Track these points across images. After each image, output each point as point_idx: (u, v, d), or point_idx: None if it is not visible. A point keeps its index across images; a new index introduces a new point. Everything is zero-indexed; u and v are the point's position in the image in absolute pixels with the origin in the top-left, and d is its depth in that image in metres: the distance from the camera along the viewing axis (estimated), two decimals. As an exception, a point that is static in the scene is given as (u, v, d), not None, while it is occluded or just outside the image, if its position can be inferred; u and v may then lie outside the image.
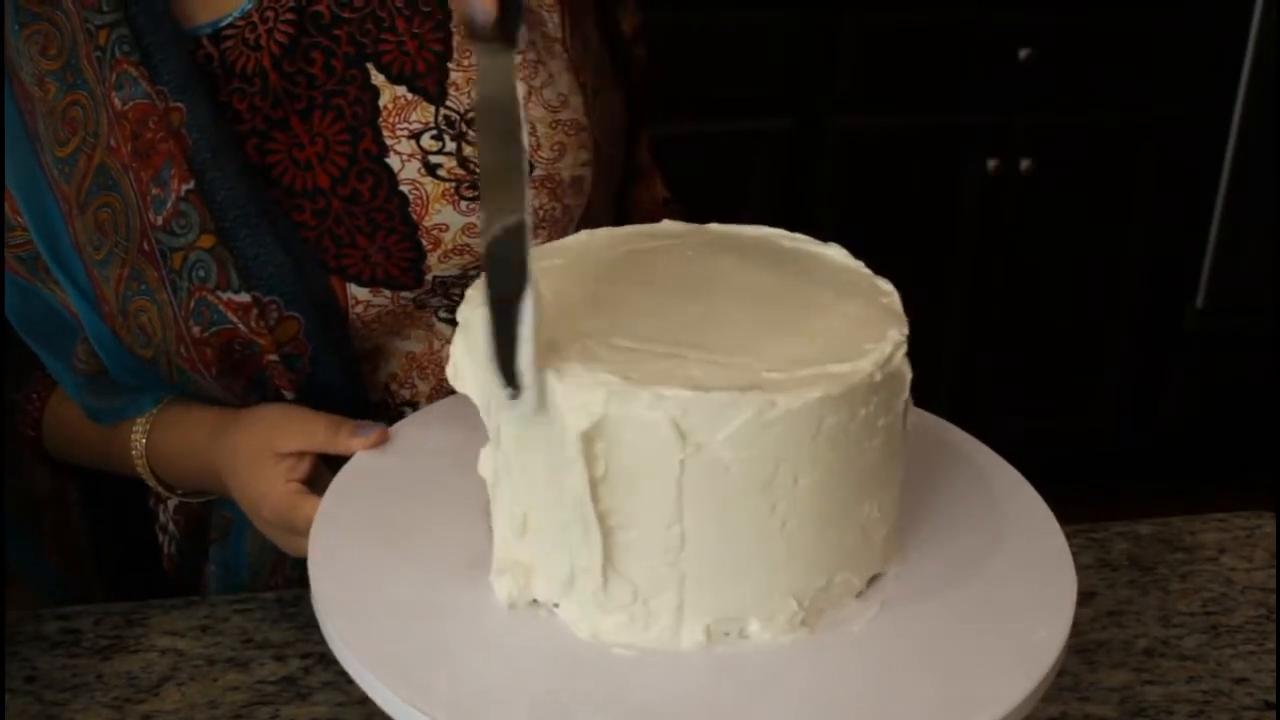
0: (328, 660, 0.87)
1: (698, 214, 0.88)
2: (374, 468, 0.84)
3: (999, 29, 2.31)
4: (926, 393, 0.77)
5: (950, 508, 0.80)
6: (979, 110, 2.36)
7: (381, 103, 0.93)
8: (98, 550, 1.11)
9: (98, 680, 0.87)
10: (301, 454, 0.88)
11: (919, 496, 0.79)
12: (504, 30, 0.67)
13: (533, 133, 0.94)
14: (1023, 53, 2.31)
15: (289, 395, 0.94)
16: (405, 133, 0.93)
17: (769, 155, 2.30)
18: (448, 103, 0.93)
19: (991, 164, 2.36)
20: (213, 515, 1.03)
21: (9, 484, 1.05)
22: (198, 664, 0.88)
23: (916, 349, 0.72)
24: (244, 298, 0.91)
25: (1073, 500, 0.81)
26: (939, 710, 0.67)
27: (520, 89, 0.95)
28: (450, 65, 0.93)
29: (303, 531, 0.84)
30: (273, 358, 0.92)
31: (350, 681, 0.79)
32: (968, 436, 0.86)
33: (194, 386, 0.95)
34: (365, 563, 0.75)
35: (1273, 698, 0.88)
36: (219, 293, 0.91)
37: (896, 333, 0.71)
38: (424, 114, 0.93)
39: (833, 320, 0.73)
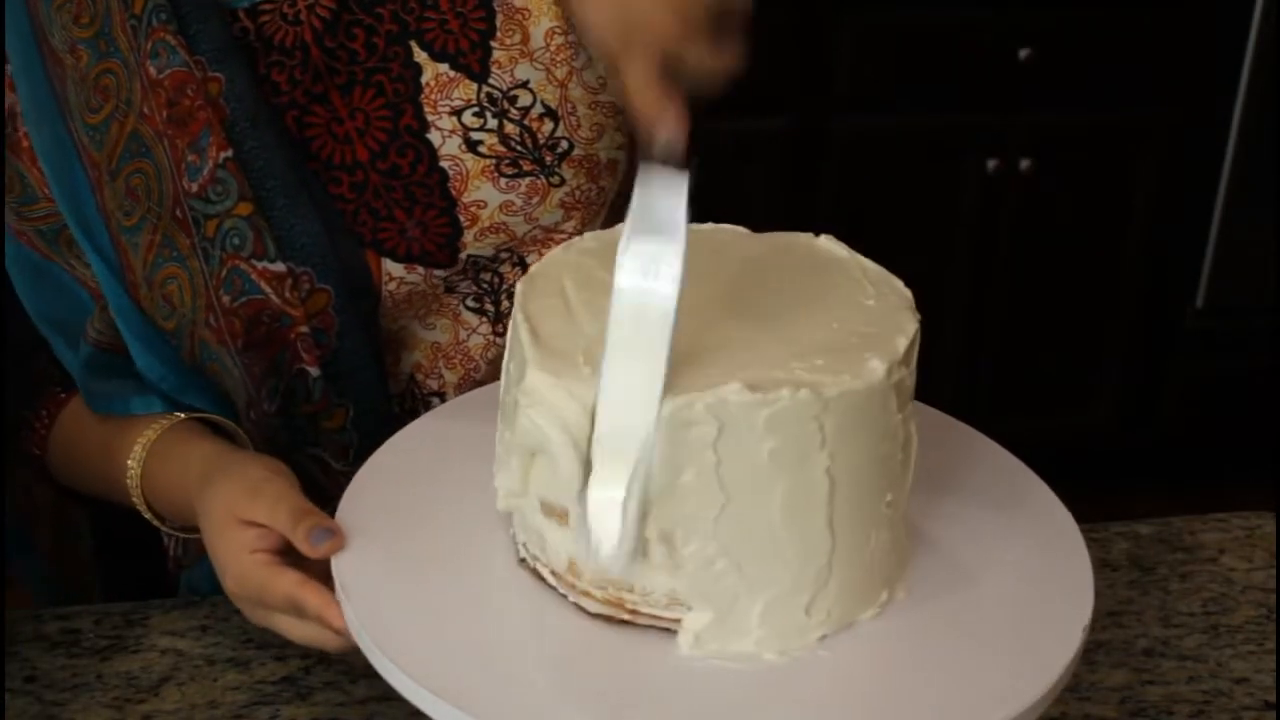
0: (328, 660, 0.87)
1: (697, 214, 0.88)
2: (396, 464, 0.84)
3: (999, 29, 2.31)
4: (927, 392, 0.77)
5: (965, 508, 0.80)
6: (979, 110, 2.36)
7: (424, 80, 0.93)
8: (100, 552, 1.10)
9: (98, 680, 0.87)
10: (269, 526, 0.82)
11: (930, 495, 0.79)
12: (686, 158, 0.67)
13: (572, 112, 0.95)
14: (1023, 53, 2.31)
15: (313, 371, 0.93)
16: (447, 109, 0.94)
17: (769, 155, 2.30)
18: (490, 80, 0.94)
19: (991, 164, 2.36)
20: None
21: (10, 492, 1.04)
22: (198, 664, 0.88)
23: (909, 363, 0.72)
24: (279, 267, 0.91)
25: (1073, 500, 0.81)
26: (948, 712, 0.67)
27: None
28: (493, 44, 0.94)
29: (277, 606, 0.80)
30: (303, 329, 0.92)
31: (351, 681, 0.80)
32: (982, 436, 0.87)
33: (213, 366, 0.94)
34: (390, 565, 0.75)
35: (1273, 698, 0.88)
36: (253, 261, 0.91)
37: (910, 325, 0.72)
38: (466, 91, 0.94)
39: (850, 313, 0.73)
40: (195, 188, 0.91)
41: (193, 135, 0.90)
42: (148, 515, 0.96)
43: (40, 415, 1.01)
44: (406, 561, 0.75)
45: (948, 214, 2.41)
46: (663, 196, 0.68)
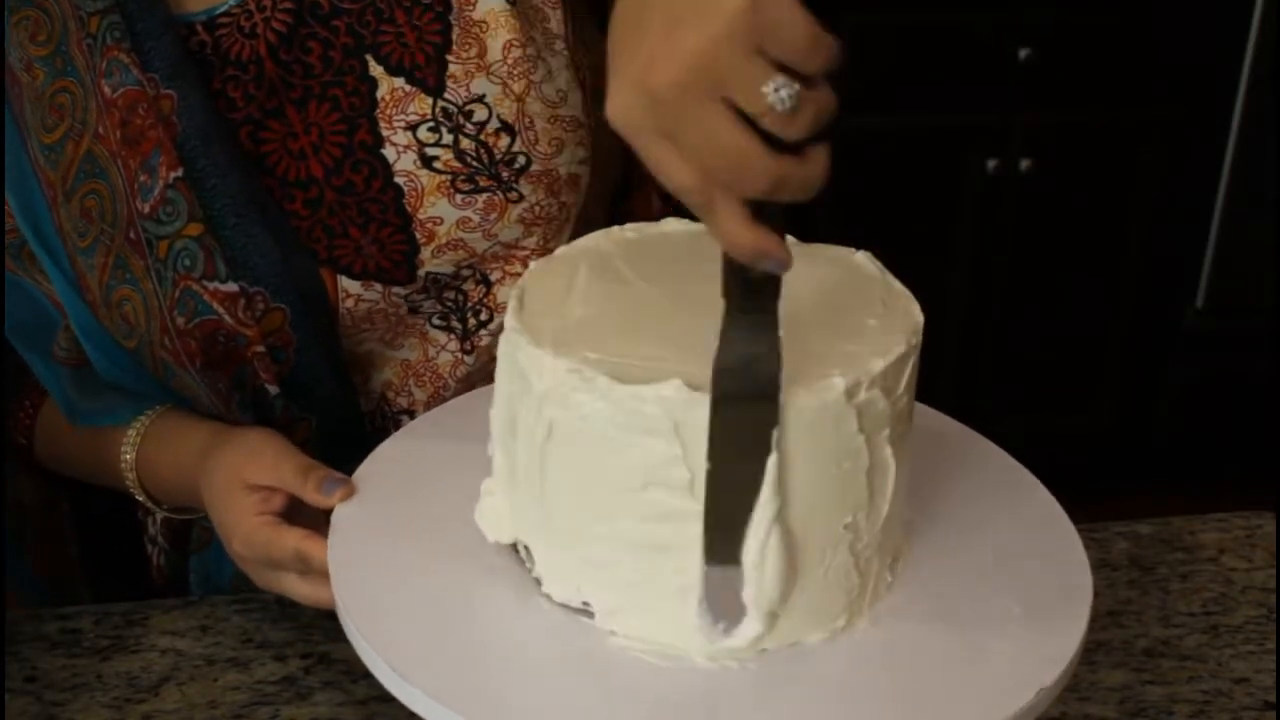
0: (328, 660, 0.87)
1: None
2: (387, 470, 0.83)
3: (999, 29, 2.31)
4: (927, 392, 0.77)
5: (962, 509, 0.80)
6: (979, 110, 2.36)
7: (379, 94, 0.92)
8: (86, 562, 1.10)
9: (98, 680, 0.87)
10: (273, 488, 0.85)
11: (928, 496, 0.79)
12: (776, 285, 0.65)
13: (530, 127, 0.94)
14: (1023, 53, 2.31)
15: (272, 389, 0.93)
16: (402, 124, 0.92)
17: (769, 155, 2.30)
18: (446, 94, 0.92)
19: (991, 164, 2.36)
20: (194, 526, 1.02)
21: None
22: (198, 664, 0.88)
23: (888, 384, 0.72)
24: (230, 287, 0.90)
25: (1073, 500, 0.81)
26: (948, 712, 0.67)
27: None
28: (449, 57, 0.93)
29: (283, 564, 0.83)
30: (259, 349, 0.91)
31: (352, 681, 0.80)
32: (981, 436, 0.87)
33: (178, 382, 0.94)
34: (384, 566, 0.75)
35: (1273, 698, 0.88)
36: (205, 282, 0.90)
37: (896, 348, 0.71)
38: (421, 106, 0.92)
39: (847, 331, 0.73)
40: (147, 208, 0.89)
41: (144, 155, 0.89)
42: (142, 498, 0.97)
43: (24, 405, 1.02)
44: (402, 563, 0.75)
45: (948, 214, 2.41)
46: (747, 335, 0.65)
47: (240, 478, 0.86)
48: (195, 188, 0.90)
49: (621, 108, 0.60)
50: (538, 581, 0.73)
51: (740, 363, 0.65)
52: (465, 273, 0.96)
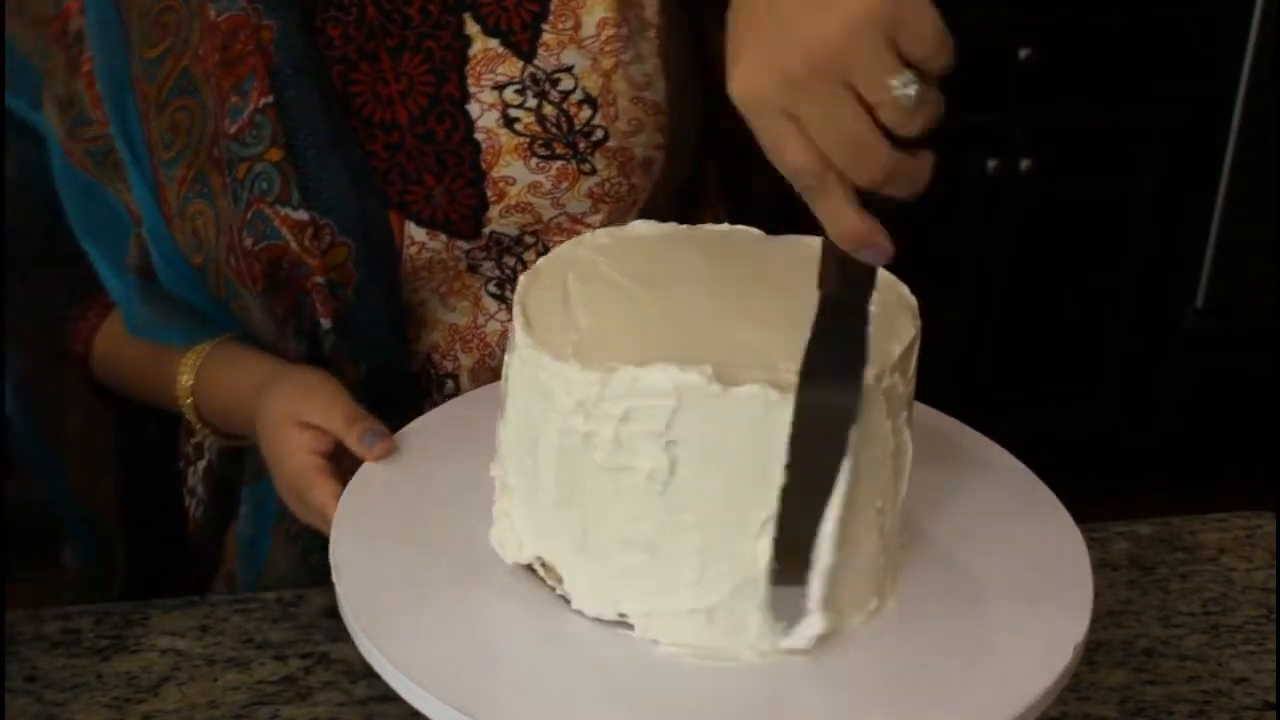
0: (328, 660, 0.87)
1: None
2: (397, 462, 0.84)
3: (999, 29, 2.31)
4: (927, 392, 0.77)
5: (964, 508, 0.80)
6: (979, 110, 2.36)
7: (471, 52, 0.95)
8: (124, 501, 1.13)
9: (98, 680, 0.87)
10: (323, 429, 0.88)
11: (930, 495, 0.79)
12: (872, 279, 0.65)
13: (612, 104, 0.96)
14: (1023, 53, 2.31)
15: (326, 323, 0.95)
16: (490, 83, 0.95)
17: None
18: (536, 60, 0.95)
19: (991, 164, 2.36)
20: (247, 455, 1.04)
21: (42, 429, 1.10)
22: (198, 664, 0.88)
23: (905, 370, 0.72)
24: (301, 215, 0.93)
25: (1073, 500, 0.81)
26: (948, 712, 0.67)
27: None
28: (544, 26, 0.95)
29: (315, 512, 0.86)
30: (319, 280, 0.94)
31: (351, 681, 0.79)
32: (982, 436, 0.87)
33: (238, 304, 0.97)
34: (389, 564, 0.75)
35: (1273, 698, 0.88)
36: (277, 207, 0.93)
37: (907, 331, 0.72)
38: (511, 68, 0.95)
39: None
40: (234, 129, 0.93)
41: (239, 78, 0.93)
42: (195, 423, 1.01)
43: (86, 314, 1.06)
44: (406, 561, 0.75)
45: (948, 214, 2.41)
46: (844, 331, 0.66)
47: (293, 414, 0.89)
48: (282, 116, 0.93)
49: (749, 85, 0.61)
50: (565, 600, 0.72)
51: (832, 353, 0.65)
52: (529, 239, 0.98)
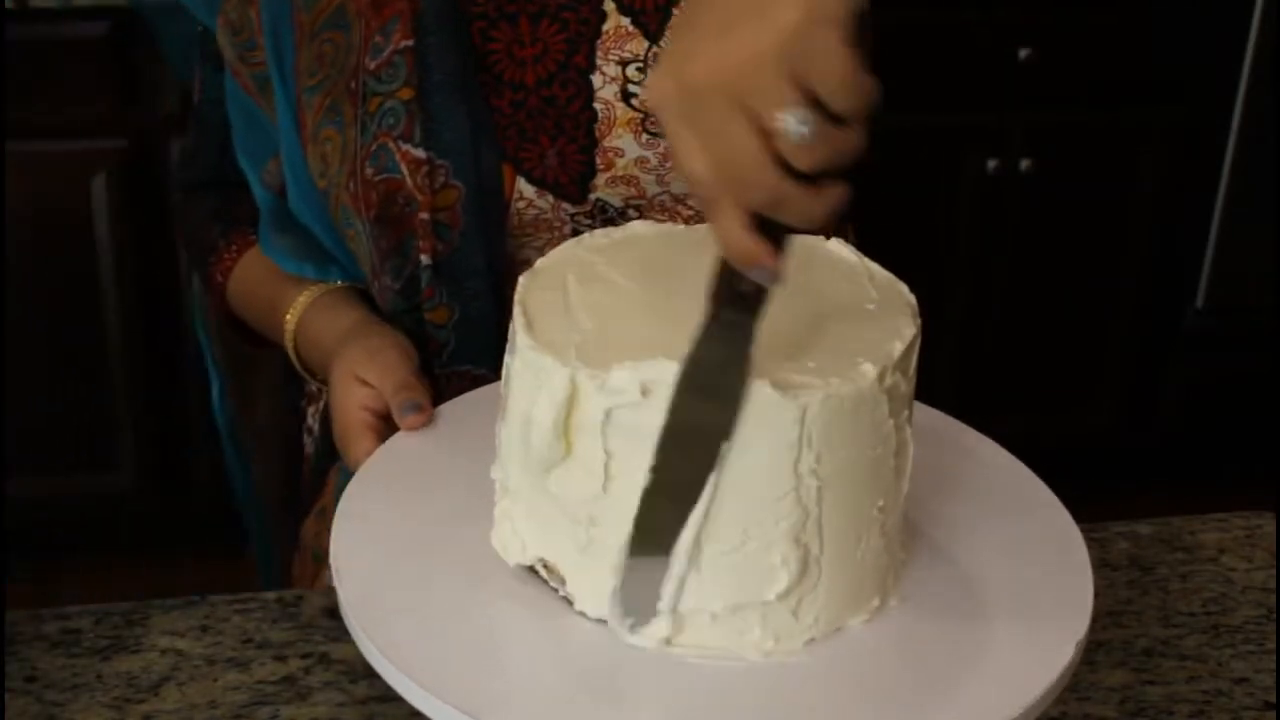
0: (328, 660, 0.87)
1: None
2: (398, 462, 0.84)
3: (999, 29, 2.31)
4: (927, 392, 0.77)
5: (965, 507, 0.80)
6: (979, 110, 2.36)
7: (605, 27, 1.00)
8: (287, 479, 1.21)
9: (98, 680, 0.87)
10: (379, 390, 0.92)
11: (930, 495, 0.79)
12: (761, 304, 0.66)
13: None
14: (1023, 53, 2.31)
15: (425, 259, 0.99)
16: (615, 58, 1.00)
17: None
18: (662, 42, 0.99)
19: (991, 164, 2.36)
20: None
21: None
22: (198, 664, 0.88)
23: (908, 369, 0.72)
24: (420, 153, 0.98)
25: (1073, 500, 0.81)
26: (947, 712, 0.67)
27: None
28: (675, 10, 0.99)
29: (352, 464, 0.90)
30: (424, 217, 0.98)
31: (351, 681, 0.79)
32: (982, 436, 0.87)
33: (351, 231, 1.02)
34: (390, 565, 0.75)
35: (1273, 698, 0.88)
36: (400, 143, 0.98)
37: (908, 330, 0.72)
38: (637, 46, 0.99)
39: (850, 317, 0.73)
40: (373, 65, 0.99)
41: (384, 20, 0.99)
42: (296, 364, 1.08)
43: (230, 248, 1.14)
44: (407, 560, 0.75)
45: (948, 214, 2.41)
46: (722, 335, 0.66)
47: (355, 370, 0.94)
48: (417, 59, 0.99)
49: (658, 87, 0.64)
50: (568, 601, 0.72)
51: (711, 367, 0.65)
52: (632, 214, 1.02)
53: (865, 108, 0.61)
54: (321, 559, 1.10)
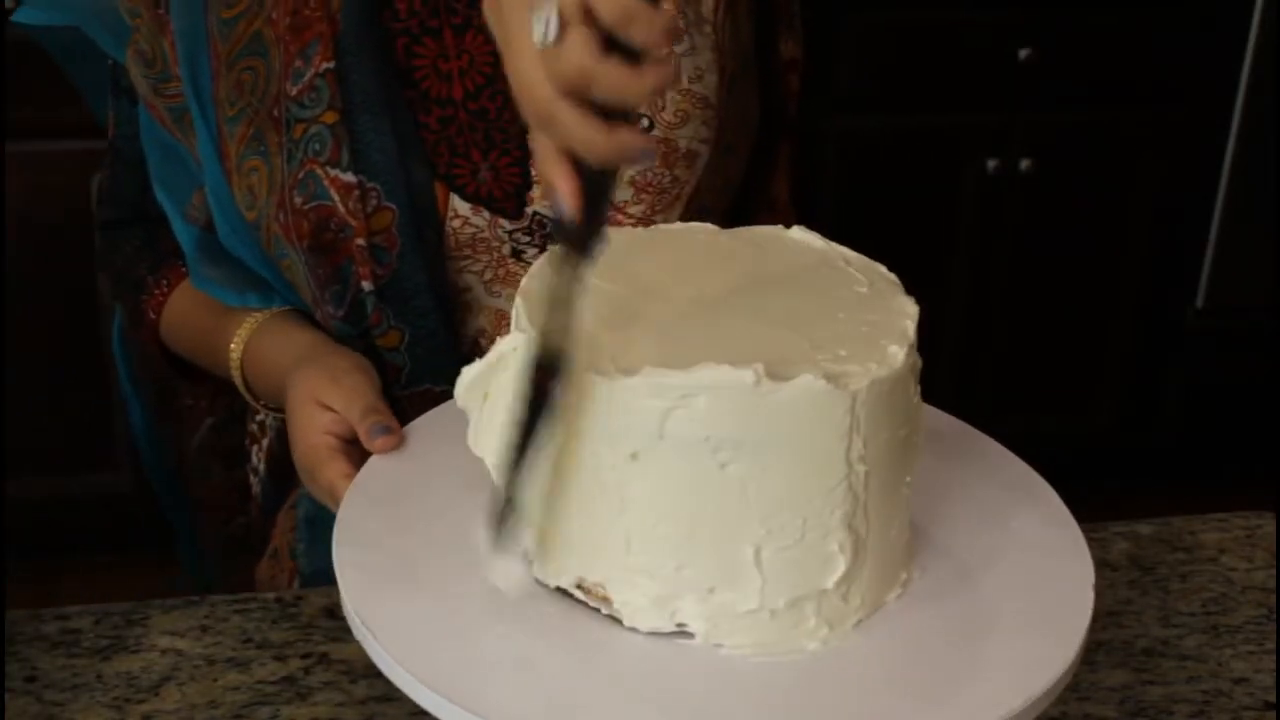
0: (328, 660, 0.87)
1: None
2: (393, 468, 0.83)
3: (999, 29, 2.31)
4: (927, 392, 0.77)
5: (965, 507, 0.80)
6: (979, 110, 2.36)
7: None
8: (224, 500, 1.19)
9: (98, 680, 0.87)
10: (342, 415, 0.90)
11: (931, 494, 0.79)
12: (585, 243, 0.66)
13: (661, 93, 0.98)
14: (1023, 53, 2.31)
15: (367, 286, 0.97)
16: None
17: (769, 155, 2.30)
18: None
19: (991, 164, 2.36)
20: None
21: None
22: (198, 664, 0.88)
23: (917, 347, 0.73)
24: (349, 178, 0.96)
25: (1073, 500, 0.81)
26: (947, 712, 0.67)
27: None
28: None
29: (324, 489, 0.89)
30: (361, 242, 0.96)
31: (351, 681, 0.79)
32: (982, 435, 0.87)
33: (286, 262, 1.00)
34: (391, 564, 0.75)
35: (1273, 698, 0.88)
36: (327, 168, 0.96)
37: (911, 307, 0.73)
38: None
39: (849, 302, 0.74)
40: (295, 91, 0.97)
41: (304, 43, 0.97)
42: (243, 392, 1.04)
43: (160, 283, 1.10)
44: (410, 559, 0.75)
45: (948, 214, 2.41)
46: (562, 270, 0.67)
47: (317, 394, 0.92)
48: (341, 81, 0.97)
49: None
50: (616, 620, 0.70)
51: (555, 301, 0.67)
52: None
53: (648, 39, 0.62)
54: None
